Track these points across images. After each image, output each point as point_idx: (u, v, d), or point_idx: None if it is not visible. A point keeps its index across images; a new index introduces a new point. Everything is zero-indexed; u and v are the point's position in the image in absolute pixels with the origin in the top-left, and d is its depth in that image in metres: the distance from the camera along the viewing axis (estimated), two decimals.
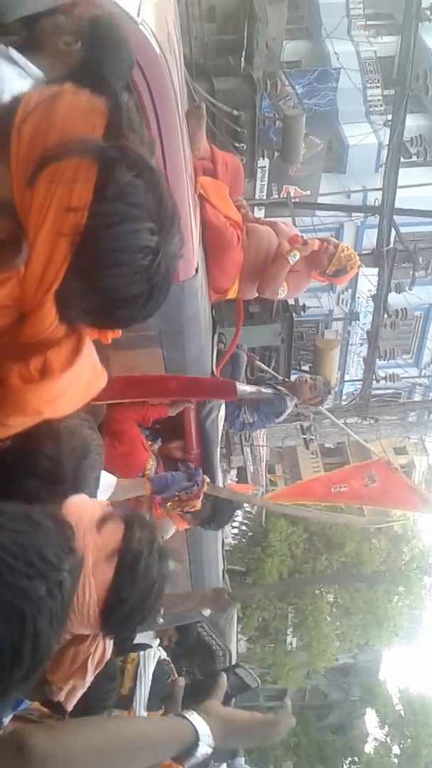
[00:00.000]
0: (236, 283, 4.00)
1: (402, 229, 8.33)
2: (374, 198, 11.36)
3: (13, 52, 1.65)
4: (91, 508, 1.35)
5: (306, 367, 9.31)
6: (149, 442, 3.88)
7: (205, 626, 6.73)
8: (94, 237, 0.96)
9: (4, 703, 1.08)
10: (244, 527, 16.51)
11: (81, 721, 1.40)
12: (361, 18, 15.14)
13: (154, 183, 1.02)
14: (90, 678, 1.58)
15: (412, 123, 11.51)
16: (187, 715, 1.29)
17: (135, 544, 1.33)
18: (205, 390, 3.19)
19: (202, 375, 3.60)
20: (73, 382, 1.17)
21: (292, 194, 12.82)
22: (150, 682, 2.72)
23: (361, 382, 10.94)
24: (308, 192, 13.47)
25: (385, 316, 9.15)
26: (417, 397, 14.73)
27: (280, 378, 5.64)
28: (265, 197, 12.24)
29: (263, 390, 4.02)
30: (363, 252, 8.13)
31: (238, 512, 12.24)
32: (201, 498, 3.52)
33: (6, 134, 0.97)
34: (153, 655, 2.87)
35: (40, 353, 1.10)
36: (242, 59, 9.80)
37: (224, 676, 1.51)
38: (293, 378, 5.68)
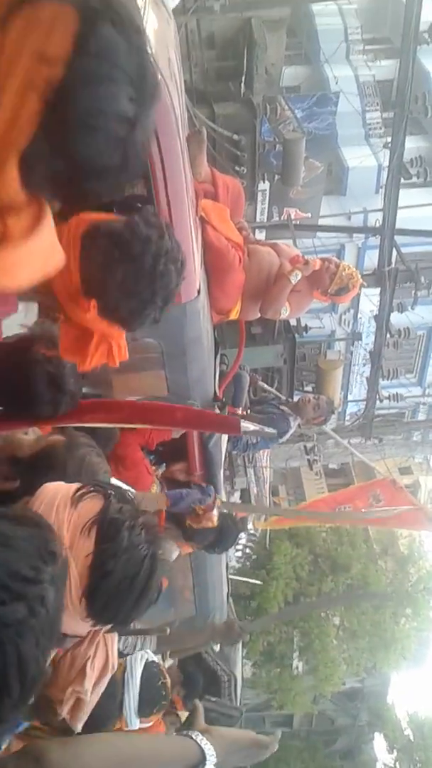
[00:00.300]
0: (238, 304, 4.01)
1: (403, 250, 8.37)
2: (375, 219, 11.41)
3: None
4: (67, 487, 1.26)
5: (309, 388, 9.31)
6: (153, 467, 3.88)
7: (210, 651, 6.66)
8: (69, 94, 0.87)
9: (1, 731, 1.05)
10: (248, 550, 16.40)
11: (94, 736, 1.39)
12: (359, 43, 15.34)
13: (139, 46, 0.91)
14: (91, 684, 1.51)
15: (412, 145, 11.60)
16: (192, 735, 1.30)
17: (114, 513, 1.20)
18: (211, 424, 3.21)
19: (204, 396, 3.60)
20: (33, 253, 1.08)
21: (292, 216, 12.91)
22: (138, 688, 2.61)
23: (364, 402, 10.92)
24: (309, 214, 13.57)
25: (388, 335, 9.17)
26: (421, 416, 14.70)
27: (283, 398, 5.63)
28: (266, 220, 12.32)
29: (267, 429, 4.03)
30: (365, 273, 8.16)
31: (242, 535, 12.17)
32: (216, 511, 3.67)
33: None
34: (140, 657, 2.74)
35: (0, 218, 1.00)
36: (242, 85, 9.94)
37: (200, 705, 1.48)
38: (296, 398, 5.68)
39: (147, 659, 2.76)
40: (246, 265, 3.94)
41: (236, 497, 8.05)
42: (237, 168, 8.89)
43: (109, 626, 1.27)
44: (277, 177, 9.74)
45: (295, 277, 3.99)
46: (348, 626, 17.10)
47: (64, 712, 1.51)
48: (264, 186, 11.60)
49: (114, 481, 1.83)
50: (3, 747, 1.33)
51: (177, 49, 3.37)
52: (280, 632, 16.78)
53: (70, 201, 1.10)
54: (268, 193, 12.10)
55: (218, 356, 4.17)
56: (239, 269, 3.85)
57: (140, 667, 2.67)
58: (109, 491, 1.25)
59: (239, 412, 4.91)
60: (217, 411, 3.81)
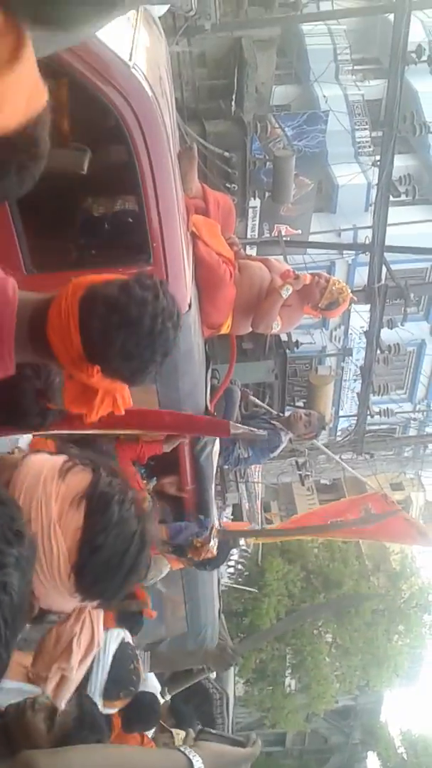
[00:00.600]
0: (229, 318, 4.03)
1: (393, 266, 8.43)
2: (365, 236, 11.51)
3: None
4: (54, 459, 1.22)
5: (300, 403, 9.33)
6: (144, 481, 3.87)
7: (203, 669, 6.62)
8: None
9: None
10: (240, 566, 16.32)
11: (83, 747, 1.39)
12: (349, 63, 15.54)
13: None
14: (77, 661, 1.47)
15: (401, 163, 11.75)
16: (180, 748, 1.31)
17: (104, 486, 1.18)
18: (200, 427, 3.21)
19: (196, 410, 3.60)
20: (15, 88, 1.04)
21: (283, 233, 13.00)
22: (109, 666, 2.48)
23: (355, 418, 10.94)
24: (299, 231, 13.67)
25: (378, 351, 9.21)
26: (412, 432, 14.72)
27: (275, 413, 5.65)
28: (256, 236, 12.40)
29: (257, 432, 4.06)
30: (355, 289, 8.20)
31: (234, 551, 12.11)
32: (213, 542, 3.90)
33: None
34: (116, 635, 2.62)
35: None
36: (233, 103, 10.04)
37: (191, 730, 1.50)
38: (287, 413, 5.69)
39: (123, 639, 2.64)
40: (237, 280, 3.97)
41: (228, 512, 8.04)
42: (228, 185, 8.96)
43: (96, 602, 1.24)
44: (267, 194, 9.81)
45: (286, 291, 4.02)
46: (341, 643, 16.99)
47: (49, 689, 1.46)
48: (255, 203, 11.69)
49: None
50: None
51: (168, 67, 3.42)
52: (272, 649, 16.66)
53: None
54: (258, 209, 12.19)
55: (209, 371, 4.19)
56: (230, 284, 3.88)
57: (115, 644, 2.54)
58: (98, 464, 1.22)
59: None
60: None
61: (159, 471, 4.06)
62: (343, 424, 14.24)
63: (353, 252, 13.39)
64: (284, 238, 11.76)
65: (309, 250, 11.74)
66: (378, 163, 8.04)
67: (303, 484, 12.82)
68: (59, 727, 1.58)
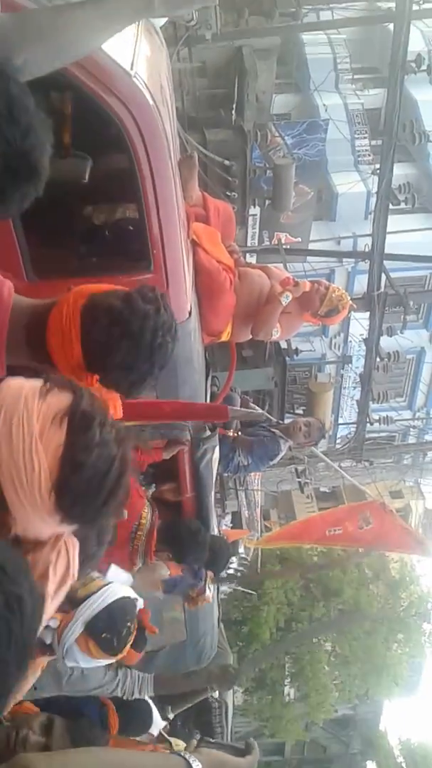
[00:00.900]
0: (229, 325, 4.04)
1: (392, 274, 8.45)
2: (364, 244, 11.53)
3: None
4: (33, 381, 1.20)
5: (300, 411, 9.33)
6: (143, 488, 3.87)
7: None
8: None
9: None
10: (239, 574, 16.24)
11: (81, 750, 1.45)
12: (348, 72, 15.61)
13: None
14: (53, 588, 1.44)
15: (400, 171, 11.76)
16: (182, 753, 1.31)
17: (86, 406, 1.17)
18: (198, 413, 3.23)
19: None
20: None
21: (283, 241, 13.02)
22: (106, 603, 2.37)
23: (354, 425, 10.94)
24: (299, 239, 13.70)
25: (378, 359, 9.22)
26: (411, 440, 14.71)
27: (274, 420, 5.65)
28: (256, 244, 12.43)
29: (256, 411, 4.11)
30: (354, 297, 8.22)
31: (233, 559, 12.07)
32: (209, 591, 4.18)
33: None
34: (126, 589, 2.52)
35: None
36: (233, 112, 10.09)
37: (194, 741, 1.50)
38: (287, 421, 5.69)
39: (133, 598, 2.53)
40: (237, 287, 3.98)
41: (227, 520, 8.02)
42: (228, 193, 8.98)
43: (74, 526, 1.23)
44: (267, 202, 9.84)
45: (286, 298, 4.04)
46: (340, 652, 16.93)
47: None
48: (255, 211, 11.72)
49: None
50: None
51: (169, 76, 3.44)
52: (271, 658, 16.60)
53: None
54: (258, 217, 12.23)
55: (209, 378, 4.20)
56: (230, 291, 3.89)
57: (122, 592, 2.44)
58: (77, 387, 1.21)
59: (230, 434, 4.92)
60: (208, 433, 3.82)
61: (158, 478, 4.06)
62: (342, 431, 14.24)
63: (353, 260, 13.41)
64: (284, 246, 11.77)
65: (309, 258, 11.76)
66: (377, 171, 8.07)
67: (302, 492, 12.79)
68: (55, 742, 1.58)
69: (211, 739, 1.52)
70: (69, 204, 3.30)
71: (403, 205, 9.26)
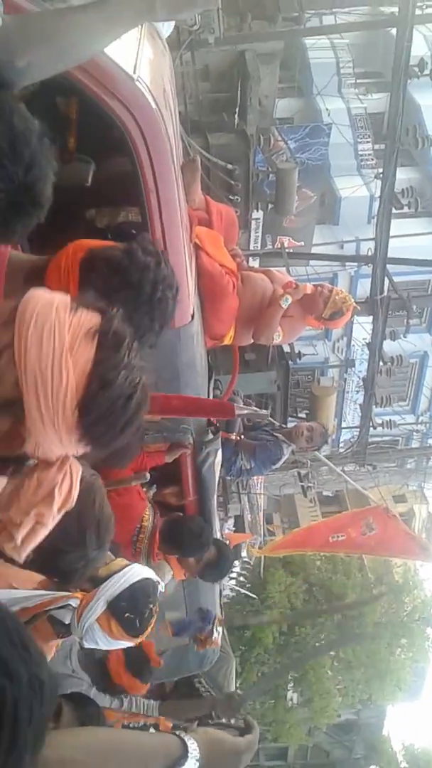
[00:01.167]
0: (232, 329, 4.04)
1: (395, 278, 8.45)
2: (367, 248, 11.55)
3: None
4: (61, 294, 1.18)
5: (303, 414, 9.31)
6: (144, 489, 3.86)
7: (203, 681, 6.57)
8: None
9: None
10: (242, 578, 16.21)
11: (74, 729, 1.44)
12: (351, 76, 15.64)
13: None
14: (56, 509, 1.42)
15: (403, 176, 11.78)
16: (178, 732, 1.30)
17: (117, 326, 1.15)
18: (205, 409, 3.24)
19: (198, 420, 3.61)
20: None
21: (286, 245, 13.04)
22: (130, 583, 2.30)
23: (358, 430, 10.92)
24: (302, 243, 13.72)
25: (381, 363, 9.21)
26: (414, 444, 14.69)
27: (277, 424, 5.64)
28: (259, 248, 12.44)
29: (260, 411, 4.10)
30: (357, 300, 8.21)
31: (236, 563, 12.06)
32: (217, 634, 4.26)
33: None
34: (148, 570, 2.44)
35: None
36: (236, 116, 10.11)
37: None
38: (291, 425, 5.69)
39: (153, 579, 2.45)
40: (239, 291, 3.98)
41: (230, 524, 8.01)
42: (231, 197, 9.00)
43: (88, 447, 1.19)
44: (270, 206, 9.85)
45: (285, 301, 4.03)
46: (343, 657, 16.86)
47: (20, 536, 1.40)
48: (257, 215, 11.74)
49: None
50: None
51: (172, 80, 3.44)
52: (274, 662, 16.54)
53: None
54: (261, 221, 12.24)
55: (212, 381, 4.19)
56: (233, 295, 3.89)
57: (147, 573, 2.33)
58: (106, 308, 1.19)
59: (233, 437, 4.92)
60: (211, 436, 3.82)
61: (160, 482, 4.05)
62: (345, 435, 14.22)
63: (356, 264, 13.42)
64: (287, 250, 11.80)
65: (312, 262, 11.77)
66: (381, 175, 8.08)
67: (305, 496, 12.76)
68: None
69: (210, 720, 1.54)
70: (72, 207, 3.30)
71: (406, 209, 9.28)
